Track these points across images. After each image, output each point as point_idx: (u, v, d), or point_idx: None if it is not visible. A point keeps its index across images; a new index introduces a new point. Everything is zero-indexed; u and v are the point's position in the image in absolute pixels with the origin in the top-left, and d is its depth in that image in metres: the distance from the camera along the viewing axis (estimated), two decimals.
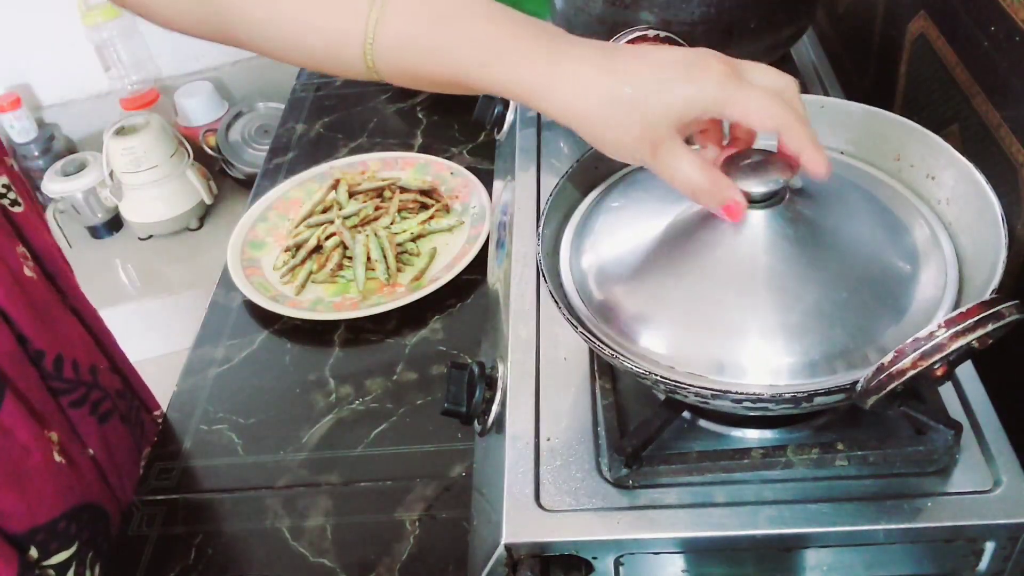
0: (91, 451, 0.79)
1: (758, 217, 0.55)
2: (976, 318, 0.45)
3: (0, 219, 0.74)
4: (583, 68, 0.53)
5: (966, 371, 0.61)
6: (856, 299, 0.53)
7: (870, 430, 0.58)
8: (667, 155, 0.53)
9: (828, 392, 0.50)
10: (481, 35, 0.54)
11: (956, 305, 0.54)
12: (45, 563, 0.73)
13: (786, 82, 0.55)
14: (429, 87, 0.58)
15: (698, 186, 0.53)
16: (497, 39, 0.54)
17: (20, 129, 2.07)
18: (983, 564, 0.56)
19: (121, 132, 2.24)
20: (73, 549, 0.75)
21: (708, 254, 0.56)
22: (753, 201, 0.55)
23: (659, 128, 0.52)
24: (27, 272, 0.75)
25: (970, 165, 0.57)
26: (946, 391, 0.60)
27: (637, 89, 0.52)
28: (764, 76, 0.55)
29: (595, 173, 0.67)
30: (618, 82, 0.52)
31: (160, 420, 0.91)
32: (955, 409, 0.59)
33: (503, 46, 0.54)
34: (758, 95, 0.52)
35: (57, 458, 0.74)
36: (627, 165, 0.68)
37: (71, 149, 2.20)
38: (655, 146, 0.53)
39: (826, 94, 0.89)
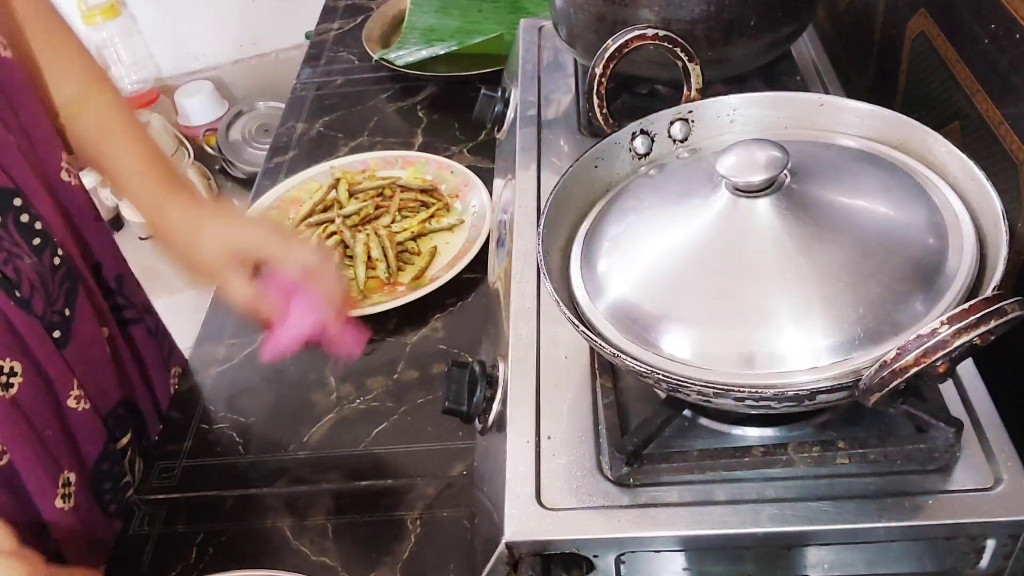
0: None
1: (763, 206, 0.55)
2: (979, 315, 0.45)
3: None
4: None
5: (967, 369, 0.61)
6: (878, 271, 0.53)
7: (871, 428, 0.58)
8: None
9: (830, 389, 0.50)
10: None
11: (979, 270, 0.54)
12: (116, 445, 0.81)
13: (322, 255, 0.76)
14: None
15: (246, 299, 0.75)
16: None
17: None
18: (984, 562, 0.56)
19: None
20: (129, 436, 0.83)
21: (719, 249, 0.56)
22: (754, 191, 0.55)
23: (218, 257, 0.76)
24: (69, 178, 0.80)
25: (971, 163, 0.57)
26: (947, 389, 0.60)
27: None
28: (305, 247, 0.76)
29: (595, 172, 0.67)
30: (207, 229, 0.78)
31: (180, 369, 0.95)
32: (956, 407, 0.59)
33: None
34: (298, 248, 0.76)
35: (109, 351, 0.80)
36: (630, 166, 0.68)
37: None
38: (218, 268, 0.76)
39: (826, 92, 0.89)
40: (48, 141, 0.77)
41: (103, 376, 0.79)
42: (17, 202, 0.70)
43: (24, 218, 0.71)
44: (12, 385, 0.69)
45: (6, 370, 0.68)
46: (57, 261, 0.73)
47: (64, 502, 0.73)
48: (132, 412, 0.84)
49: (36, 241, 0.71)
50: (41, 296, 0.71)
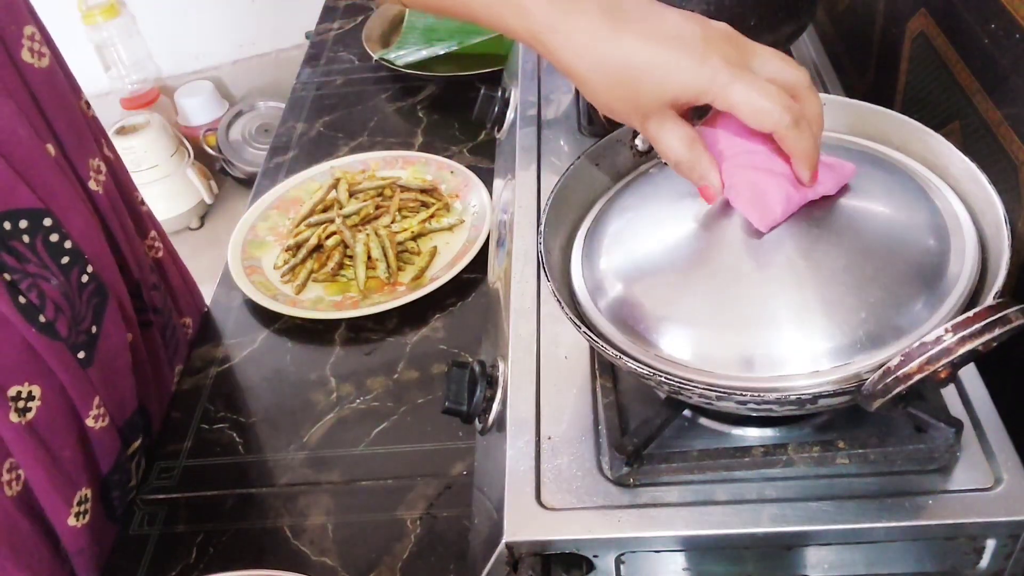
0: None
1: None
2: (983, 323, 0.45)
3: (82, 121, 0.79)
4: (588, 25, 0.52)
5: (967, 369, 0.61)
6: (880, 274, 0.53)
7: (871, 428, 0.58)
8: (655, 127, 0.54)
9: (833, 394, 0.50)
10: None
11: (980, 275, 0.54)
12: (128, 452, 0.80)
13: (797, 76, 0.54)
14: (444, 14, 0.60)
15: (680, 159, 0.54)
16: None
17: None
18: (984, 562, 0.56)
19: (121, 132, 2.24)
20: (139, 440, 0.82)
21: (721, 249, 0.56)
22: None
23: (651, 104, 0.53)
24: (97, 187, 0.79)
25: (972, 164, 0.57)
26: (947, 389, 0.60)
27: (633, 66, 0.52)
28: (775, 66, 0.54)
29: (596, 171, 0.67)
30: (618, 52, 0.52)
31: (189, 329, 0.95)
32: (956, 407, 0.59)
33: None
34: (754, 92, 0.51)
35: (131, 359, 0.80)
36: (632, 165, 0.68)
37: None
38: (645, 117, 0.54)
39: (826, 92, 0.89)
40: (80, 146, 0.76)
41: (123, 387, 0.79)
42: (47, 222, 0.69)
43: (54, 237, 0.69)
44: (30, 409, 0.68)
45: (24, 395, 0.68)
46: (86, 279, 0.72)
47: (78, 520, 0.73)
48: (144, 416, 0.84)
49: (65, 260, 0.70)
50: (66, 318, 0.70)
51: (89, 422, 0.73)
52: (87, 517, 0.74)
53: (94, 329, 0.73)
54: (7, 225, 0.66)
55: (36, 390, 0.69)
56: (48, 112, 0.73)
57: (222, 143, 2.26)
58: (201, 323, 0.97)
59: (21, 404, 0.68)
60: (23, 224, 0.67)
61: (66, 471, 0.72)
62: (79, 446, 0.73)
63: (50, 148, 0.71)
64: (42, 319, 0.68)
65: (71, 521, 0.72)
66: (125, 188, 0.86)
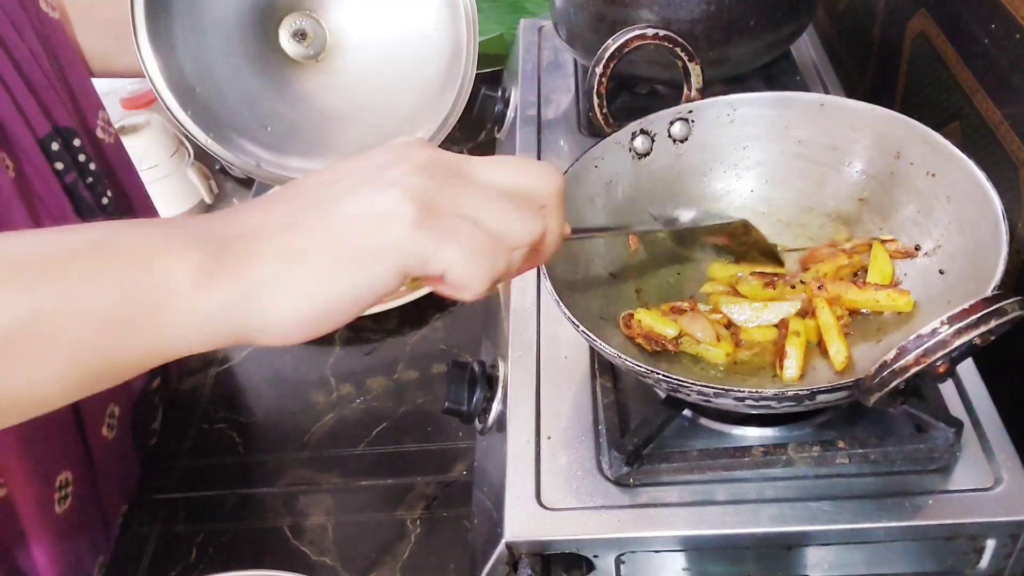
0: None
1: None
2: (979, 315, 0.45)
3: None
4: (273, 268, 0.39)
5: (967, 369, 0.61)
6: None
7: (871, 428, 0.58)
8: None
9: (831, 390, 0.50)
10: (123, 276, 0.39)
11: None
12: (152, 385, 0.84)
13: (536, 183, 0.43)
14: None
15: None
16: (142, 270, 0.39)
17: None
18: (984, 562, 0.56)
19: (121, 132, 2.24)
20: (158, 380, 0.85)
21: None
22: None
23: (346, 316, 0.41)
24: (104, 136, 0.82)
25: (971, 163, 0.57)
26: (947, 389, 0.60)
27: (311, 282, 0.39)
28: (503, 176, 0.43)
29: (595, 172, 0.66)
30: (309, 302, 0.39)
31: None
32: (956, 407, 0.59)
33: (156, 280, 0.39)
34: (452, 258, 0.40)
35: None
36: (631, 166, 0.68)
37: None
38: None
39: (826, 92, 0.89)
40: (88, 96, 0.79)
41: None
42: (77, 143, 0.73)
43: (81, 157, 0.74)
44: None
45: None
46: (106, 201, 0.76)
47: (109, 431, 0.76)
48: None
49: (90, 180, 0.74)
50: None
51: None
52: (115, 430, 0.77)
53: None
54: (54, 145, 0.71)
55: None
56: (61, 58, 0.76)
57: None
58: None
59: None
60: (59, 141, 0.71)
61: None
62: None
63: (61, 93, 0.75)
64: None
65: (104, 431, 0.76)
66: (126, 158, 0.88)
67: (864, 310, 0.61)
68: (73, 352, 0.38)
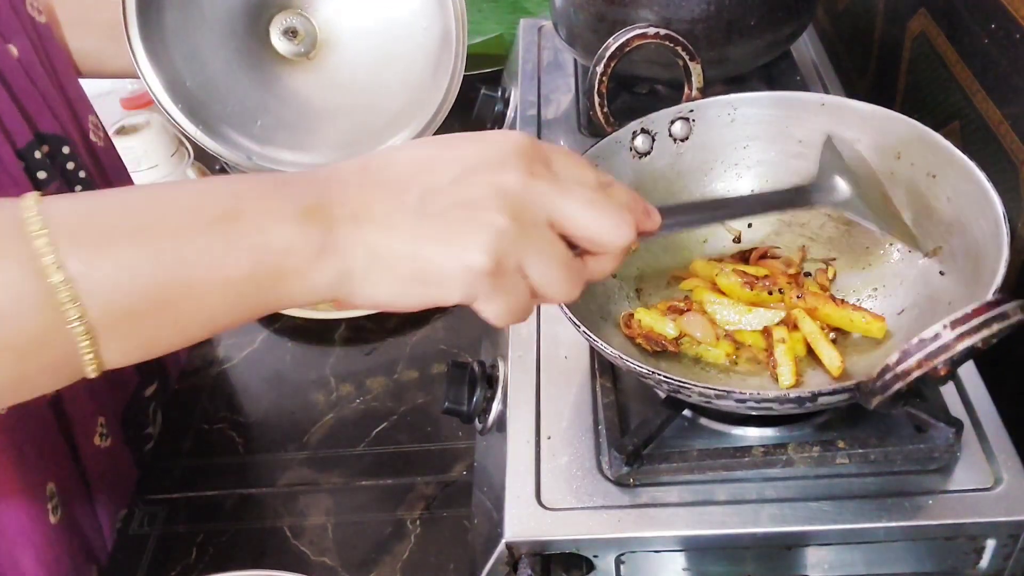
0: None
1: None
2: (982, 319, 0.45)
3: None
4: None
5: (967, 369, 0.61)
6: None
7: (871, 428, 0.58)
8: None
9: (833, 392, 0.50)
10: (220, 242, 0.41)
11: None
12: (144, 393, 0.83)
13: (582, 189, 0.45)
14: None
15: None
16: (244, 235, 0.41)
17: None
18: (984, 562, 0.56)
19: (121, 132, 2.24)
20: (155, 386, 0.84)
21: None
22: None
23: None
24: (96, 139, 0.82)
25: (971, 163, 0.57)
26: (947, 389, 0.60)
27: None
28: (570, 173, 0.45)
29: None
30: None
31: None
32: (956, 407, 0.59)
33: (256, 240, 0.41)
34: (513, 290, 0.44)
35: None
36: (631, 165, 0.68)
37: None
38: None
39: (826, 92, 0.89)
40: (79, 100, 0.79)
41: None
42: (66, 150, 0.73)
43: (70, 165, 0.73)
44: None
45: None
46: None
47: (102, 440, 0.76)
48: (159, 363, 0.86)
49: (78, 189, 0.74)
50: None
51: None
52: (108, 440, 0.77)
53: None
54: (37, 153, 0.69)
55: None
56: (54, 61, 0.75)
57: None
58: None
59: None
60: (44, 149, 0.70)
61: (93, 388, 0.74)
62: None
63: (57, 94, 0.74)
64: None
65: (96, 440, 0.75)
66: (118, 161, 0.88)
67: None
68: (212, 317, 0.42)
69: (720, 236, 0.70)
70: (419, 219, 0.43)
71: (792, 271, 0.65)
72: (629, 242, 0.45)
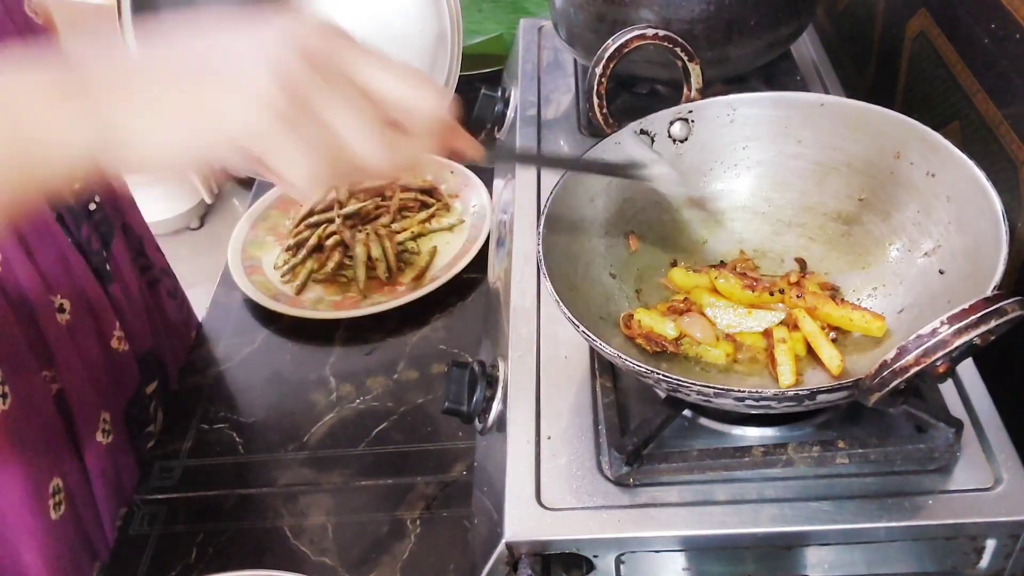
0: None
1: None
2: (979, 315, 0.45)
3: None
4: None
5: (967, 369, 0.61)
6: None
7: (871, 428, 0.58)
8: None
9: (831, 389, 0.50)
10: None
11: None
12: (146, 390, 0.86)
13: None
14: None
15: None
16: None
17: None
18: (984, 562, 0.56)
19: None
20: (155, 384, 0.87)
21: None
22: None
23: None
24: None
25: (971, 163, 0.57)
26: (947, 389, 0.60)
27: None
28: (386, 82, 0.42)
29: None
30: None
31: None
32: (956, 407, 0.59)
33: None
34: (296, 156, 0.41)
35: (138, 298, 0.86)
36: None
37: None
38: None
39: (826, 92, 0.89)
40: None
41: (139, 320, 0.84)
42: None
43: None
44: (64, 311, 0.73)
45: (56, 305, 0.73)
46: (93, 207, 0.78)
47: (104, 436, 0.77)
48: (159, 361, 0.88)
49: (75, 185, 0.74)
50: (84, 237, 0.77)
51: (114, 343, 0.78)
52: (111, 437, 0.78)
53: (105, 253, 0.79)
54: None
55: (67, 303, 0.74)
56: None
57: None
58: (201, 324, 0.98)
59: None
60: None
61: (97, 385, 0.77)
62: (105, 365, 0.78)
63: None
64: (71, 239, 0.75)
65: (99, 437, 0.77)
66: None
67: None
68: None
69: (720, 238, 0.70)
70: (197, 74, 0.40)
71: (794, 279, 0.65)
72: (441, 111, 0.42)
